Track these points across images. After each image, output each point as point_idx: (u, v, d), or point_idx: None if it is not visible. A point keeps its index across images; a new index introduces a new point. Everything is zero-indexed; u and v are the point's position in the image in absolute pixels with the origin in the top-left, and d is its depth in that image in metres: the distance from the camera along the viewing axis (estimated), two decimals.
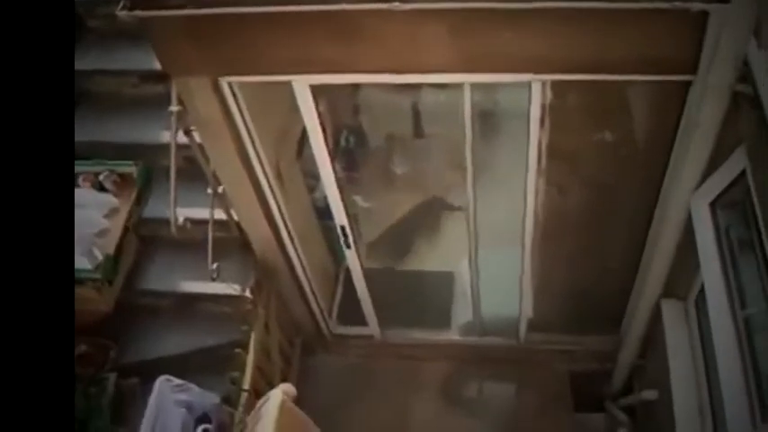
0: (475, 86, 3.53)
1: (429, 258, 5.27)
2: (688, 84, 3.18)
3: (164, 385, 4.25)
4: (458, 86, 3.54)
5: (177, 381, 4.30)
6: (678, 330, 4.01)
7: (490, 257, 4.61)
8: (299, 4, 3.00)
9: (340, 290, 5.32)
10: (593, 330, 5.02)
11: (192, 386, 4.37)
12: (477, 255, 4.54)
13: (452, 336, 5.23)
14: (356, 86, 5.13)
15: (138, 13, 3.15)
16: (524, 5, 2.83)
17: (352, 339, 5.36)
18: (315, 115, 3.68)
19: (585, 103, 3.75)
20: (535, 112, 3.50)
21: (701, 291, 3.69)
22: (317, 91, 3.60)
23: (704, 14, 2.81)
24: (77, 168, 4.87)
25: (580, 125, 3.76)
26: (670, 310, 4.09)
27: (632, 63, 3.09)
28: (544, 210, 4.06)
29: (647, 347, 4.57)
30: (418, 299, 5.25)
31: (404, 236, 5.37)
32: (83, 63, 4.91)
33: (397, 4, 2.89)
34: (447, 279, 5.26)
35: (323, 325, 5.24)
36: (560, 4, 2.82)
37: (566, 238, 4.32)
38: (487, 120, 4.66)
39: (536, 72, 3.25)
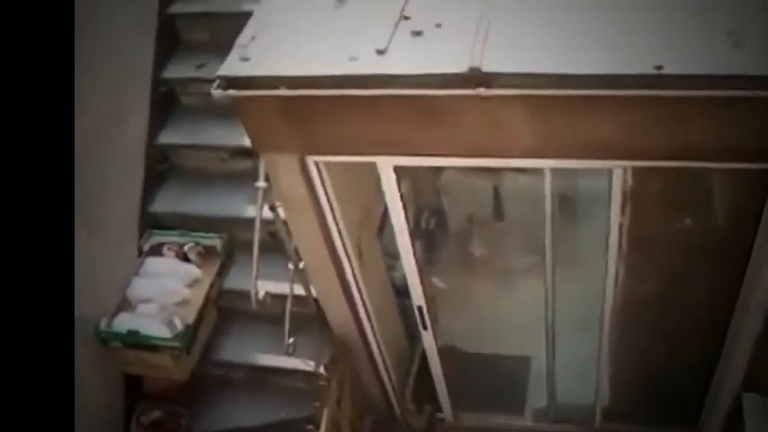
0: (556, 171, 3.54)
1: (506, 342, 5.21)
2: None
3: None
4: (539, 171, 3.56)
5: None
6: (760, 428, 3.86)
7: (567, 342, 4.54)
8: (386, 88, 3.07)
9: (414, 371, 5.28)
10: (671, 422, 4.87)
11: None
12: (554, 339, 4.48)
13: (526, 422, 5.13)
14: (439, 168, 5.20)
15: (232, 92, 3.28)
16: (607, 92, 2.84)
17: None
18: (397, 196, 3.73)
19: (667, 190, 3.72)
20: (616, 199, 3.48)
21: None
22: (400, 172, 3.66)
23: None
24: (163, 239, 5.03)
25: (661, 212, 3.73)
26: (752, 404, 3.95)
27: (715, 151, 3.06)
28: (623, 296, 4.00)
29: None
30: (493, 382, 5.18)
31: (481, 318, 5.34)
32: (174, 137, 5.14)
33: (481, 90, 2.93)
34: (523, 363, 5.19)
35: (395, 404, 5.19)
36: (643, 93, 2.83)
37: (644, 325, 4.25)
38: (568, 204, 4.65)
39: (617, 159, 3.24)
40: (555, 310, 4.29)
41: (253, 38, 3.37)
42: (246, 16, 3.60)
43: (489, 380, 5.18)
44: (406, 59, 3.06)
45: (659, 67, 2.76)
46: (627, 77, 2.79)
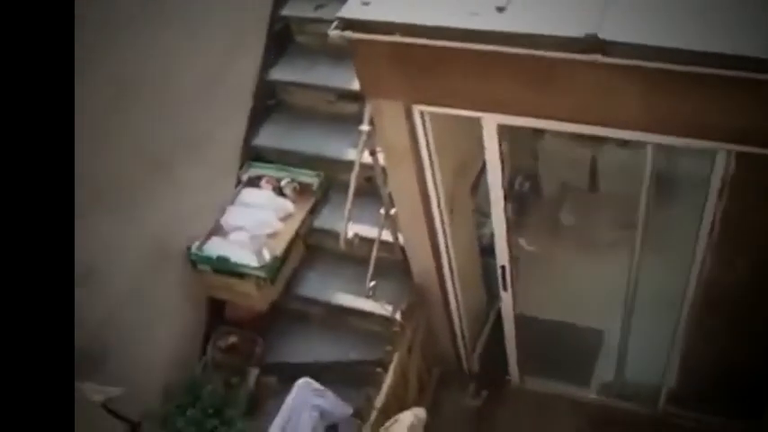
0: (658, 148, 3.53)
1: (582, 312, 5.22)
2: None
3: (304, 387, 4.44)
4: (640, 145, 3.54)
5: (317, 385, 4.48)
6: None
7: (643, 321, 4.54)
8: (502, 44, 3.11)
9: (487, 330, 5.35)
10: (736, 413, 4.82)
11: (330, 393, 4.53)
12: (631, 316, 4.48)
13: (590, 394, 5.14)
14: (539, 133, 5.21)
15: (349, 34, 3.38)
16: (725, 73, 2.81)
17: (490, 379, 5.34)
18: (497, 154, 3.78)
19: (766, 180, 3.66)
20: (716, 182, 3.45)
21: None
22: (502, 131, 3.70)
23: None
24: (262, 171, 5.19)
25: (759, 202, 3.66)
26: None
27: None
28: (707, 282, 3.98)
29: None
30: (563, 351, 5.20)
31: (561, 286, 5.36)
32: (285, 74, 5.26)
33: (598, 57, 2.95)
34: (596, 336, 5.21)
35: (464, 360, 5.28)
36: (760, 77, 2.79)
37: (724, 313, 4.20)
38: (664, 183, 4.61)
39: (724, 141, 3.21)
40: (636, 287, 4.29)
41: None
42: None
43: (560, 348, 5.20)
44: (524, 19, 3.09)
45: None
46: (747, 60, 2.75)
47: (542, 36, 3.01)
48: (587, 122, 3.36)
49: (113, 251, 4.19)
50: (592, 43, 2.93)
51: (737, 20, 2.90)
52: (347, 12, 3.35)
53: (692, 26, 2.90)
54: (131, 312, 4.38)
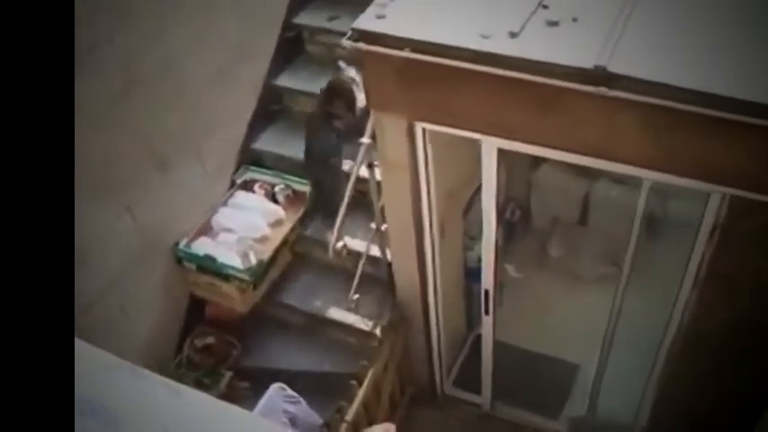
0: (651, 188, 3.58)
1: (560, 344, 5.26)
2: None
3: (277, 392, 4.42)
4: (634, 183, 3.59)
5: (291, 392, 4.46)
6: None
7: (620, 359, 4.58)
8: (511, 69, 3.16)
9: (465, 353, 5.37)
10: None
11: (302, 402, 4.51)
12: (608, 353, 4.52)
13: (559, 427, 5.16)
14: (536, 162, 5.26)
15: (362, 45, 3.42)
16: (729, 116, 2.86)
17: (461, 404, 5.36)
18: (494, 178, 3.82)
19: (759, 226, 3.70)
20: (707, 224, 3.49)
21: None
22: (502, 155, 3.74)
23: None
24: (256, 176, 5.22)
25: (748, 249, 3.70)
26: None
27: None
28: (689, 324, 4.01)
29: None
30: (537, 382, 5.23)
31: (541, 317, 5.40)
32: (291, 82, 5.30)
33: (603, 89, 3.00)
34: (571, 370, 5.24)
35: (438, 382, 5.30)
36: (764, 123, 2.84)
37: (703, 357, 4.23)
38: (654, 222, 4.67)
39: (721, 184, 3.24)
40: (617, 323, 4.33)
41: None
42: None
43: (534, 378, 5.23)
44: (536, 46, 3.14)
45: None
46: (754, 105, 2.80)
47: (552, 64, 3.06)
48: (588, 154, 3.41)
49: (103, 240, 4.19)
50: (599, 75, 2.98)
51: (747, 63, 2.96)
52: (362, 23, 3.40)
53: (701, 66, 2.96)
54: (114, 300, 4.38)
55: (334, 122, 4.69)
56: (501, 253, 4.31)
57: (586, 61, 3.01)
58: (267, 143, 5.37)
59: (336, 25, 5.01)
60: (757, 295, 3.82)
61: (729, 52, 3.03)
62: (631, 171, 3.42)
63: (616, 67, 2.97)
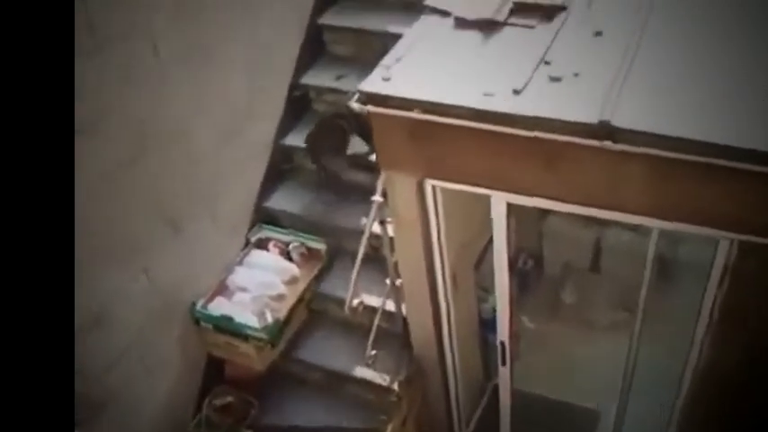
0: (662, 233, 3.60)
1: (579, 391, 5.25)
2: None
3: None
4: (645, 229, 3.62)
5: None
6: None
7: (640, 403, 4.57)
8: (515, 127, 3.22)
9: (483, 404, 5.35)
10: None
11: None
12: (627, 398, 4.51)
13: None
14: (545, 212, 5.30)
15: (369, 108, 3.49)
16: (732, 164, 2.91)
17: None
18: (504, 231, 3.85)
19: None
20: (717, 270, 3.51)
21: None
22: (511, 209, 3.78)
23: None
24: (271, 234, 5.26)
25: (758, 288, 3.72)
26: None
27: None
28: (705, 367, 4.00)
29: None
30: (557, 429, 5.21)
31: (559, 365, 5.39)
32: (300, 141, 5.33)
33: (608, 143, 3.06)
34: (592, 416, 5.22)
35: None
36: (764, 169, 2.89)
37: (722, 399, 4.22)
38: (666, 266, 4.68)
39: (727, 230, 3.27)
40: (635, 368, 4.33)
41: (397, 60, 3.58)
42: (392, 37, 3.83)
43: (555, 426, 5.21)
44: (539, 102, 3.20)
45: None
46: (754, 153, 2.85)
47: (556, 121, 3.12)
48: (595, 206, 3.44)
49: (121, 302, 4.23)
50: (604, 130, 3.04)
51: (745, 111, 3.02)
52: (368, 86, 3.47)
53: (701, 116, 3.01)
54: (133, 364, 4.40)
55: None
56: (516, 303, 4.32)
57: (591, 116, 3.07)
58: (280, 201, 5.41)
59: (343, 84, 5.08)
60: None
61: (728, 101, 3.08)
62: (639, 220, 3.45)
63: (620, 121, 3.03)
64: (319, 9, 5.46)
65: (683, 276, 4.67)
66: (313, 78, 5.43)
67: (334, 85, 5.23)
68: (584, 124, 3.07)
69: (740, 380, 4.03)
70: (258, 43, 4.89)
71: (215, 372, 5.22)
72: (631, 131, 3.01)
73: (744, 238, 3.27)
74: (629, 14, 3.62)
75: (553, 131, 3.15)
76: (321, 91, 5.41)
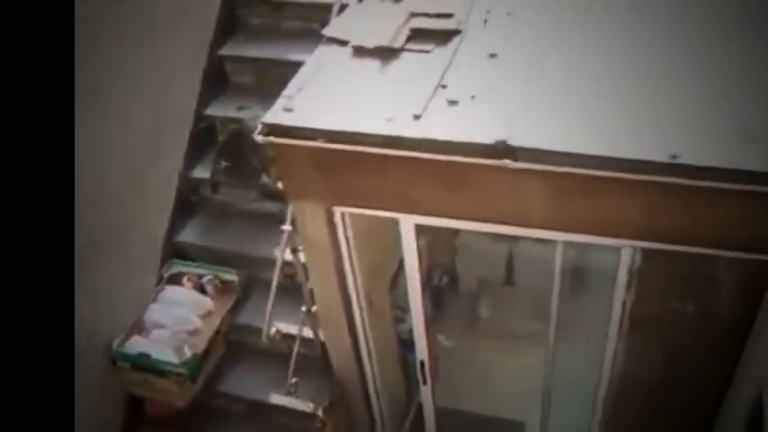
0: (567, 244, 3.70)
1: (502, 404, 5.31)
2: None
3: None
4: (552, 242, 3.72)
5: None
6: None
7: (562, 412, 4.65)
8: (417, 151, 3.27)
9: (408, 424, 5.38)
10: None
11: None
12: (549, 407, 4.59)
13: None
14: (456, 230, 5.36)
15: (272, 139, 3.49)
16: (622, 175, 3.02)
17: None
18: (415, 253, 3.89)
19: (673, 273, 3.84)
20: (622, 276, 3.62)
21: None
22: (419, 230, 3.82)
23: None
24: (183, 269, 5.21)
25: (665, 293, 3.84)
26: None
27: (722, 239, 3.22)
28: (620, 370, 4.11)
29: None
30: None
31: (480, 379, 5.45)
32: (206, 172, 5.32)
33: (507, 161, 3.13)
34: (517, 428, 5.28)
35: None
36: (656, 179, 3.00)
37: (638, 401, 4.34)
38: (576, 276, 4.78)
39: (628, 238, 3.39)
40: (552, 378, 4.41)
41: (298, 90, 3.59)
42: (293, 65, 3.83)
43: None
44: (439, 126, 3.26)
45: (674, 156, 2.95)
46: (643, 163, 2.97)
47: (455, 143, 3.18)
48: (500, 223, 3.52)
49: None
50: (502, 149, 3.12)
51: (639, 124, 3.14)
52: (271, 117, 3.47)
53: (593, 131, 3.12)
54: None
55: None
56: (432, 321, 4.37)
57: (488, 137, 3.14)
58: (190, 235, 5.39)
59: (246, 114, 5.09)
60: (680, 336, 3.96)
61: (620, 114, 3.20)
62: (544, 234, 3.54)
63: (517, 140, 3.11)
64: (219, 40, 5.47)
65: (598, 284, 4.76)
66: (217, 109, 5.43)
67: (237, 114, 5.23)
68: (483, 145, 3.14)
69: (655, 382, 4.16)
70: (158, 78, 4.86)
71: (136, 411, 5.13)
72: (527, 149, 3.09)
73: (645, 245, 3.40)
74: (523, 36, 3.73)
75: (453, 153, 3.21)
76: (225, 121, 5.40)
